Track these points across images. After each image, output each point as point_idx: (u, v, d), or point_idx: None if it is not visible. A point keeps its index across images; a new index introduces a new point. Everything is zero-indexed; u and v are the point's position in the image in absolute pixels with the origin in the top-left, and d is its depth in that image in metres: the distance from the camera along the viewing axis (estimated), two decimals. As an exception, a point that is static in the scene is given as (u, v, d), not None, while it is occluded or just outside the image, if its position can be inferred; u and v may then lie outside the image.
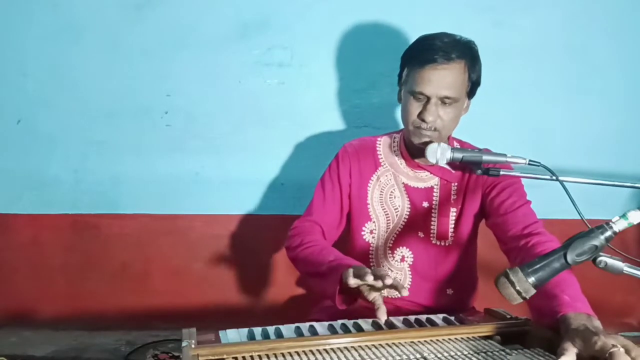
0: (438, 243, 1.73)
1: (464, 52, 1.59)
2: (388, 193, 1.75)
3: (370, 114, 2.22)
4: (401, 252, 1.74)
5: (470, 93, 1.67)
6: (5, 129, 2.34)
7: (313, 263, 1.58)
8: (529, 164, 1.42)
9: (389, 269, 1.74)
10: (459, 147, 1.70)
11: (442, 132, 1.62)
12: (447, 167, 1.65)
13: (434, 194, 1.73)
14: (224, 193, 2.32)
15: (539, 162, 1.40)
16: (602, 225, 1.13)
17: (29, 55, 2.31)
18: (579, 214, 1.31)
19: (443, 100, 1.58)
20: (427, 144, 1.58)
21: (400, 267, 1.74)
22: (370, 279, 1.29)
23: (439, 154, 1.50)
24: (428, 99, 1.58)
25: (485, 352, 1.19)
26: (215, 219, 2.33)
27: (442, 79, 1.56)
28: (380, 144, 1.80)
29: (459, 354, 1.18)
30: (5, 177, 2.35)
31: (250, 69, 2.27)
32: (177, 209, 2.33)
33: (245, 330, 1.32)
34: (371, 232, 1.76)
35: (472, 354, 1.18)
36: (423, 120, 1.59)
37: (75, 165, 2.34)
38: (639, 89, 2.28)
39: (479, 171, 1.49)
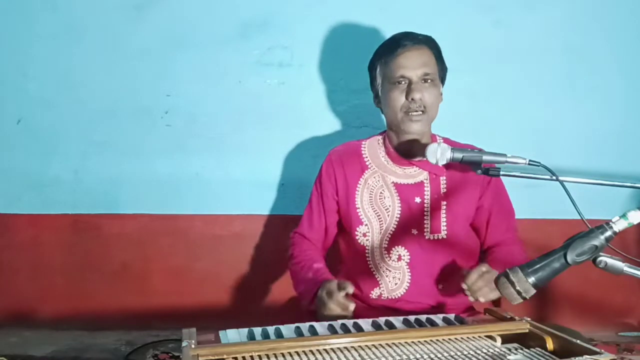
0: (432, 237, 1.73)
1: (426, 38, 1.73)
2: (377, 194, 1.76)
3: (369, 114, 2.22)
4: (397, 251, 1.74)
5: (442, 78, 1.76)
6: (5, 129, 2.34)
7: (296, 281, 1.77)
8: (529, 164, 1.42)
9: (386, 269, 1.74)
10: (442, 142, 1.73)
11: (429, 113, 1.68)
12: None
13: (425, 188, 1.73)
14: (224, 193, 2.32)
15: (539, 162, 1.40)
16: (602, 225, 1.13)
17: (29, 55, 2.31)
18: (579, 214, 1.31)
19: (424, 79, 1.67)
20: (418, 129, 1.67)
21: (398, 267, 1.74)
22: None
23: (439, 154, 1.50)
24: (410, 82, 1.66)
25: (485, 352, 1.19)
26: (215, 219, 2.33)
27: (417, 58, 1.67)
28: (365, 147, 1.82)
29: (459, 354, 1.18)
30: (5, 177, 2.35)
31: (250, 69, 2.28)
32: (177, 209, 2.33)
33: (245, 330, 1.32)
34: (364, 235, 1.76)
35: (472, 354, 1.18)
36: (412, 100, 1.65)
37: (75, 165, 2.34)
38: (638, 89, 2.28)
39: (479, 171, 1.49)
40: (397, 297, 1.73)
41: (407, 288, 1.72)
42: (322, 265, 1.74)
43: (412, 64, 1.66)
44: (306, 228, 1.84)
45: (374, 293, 1.74)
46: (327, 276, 1.66)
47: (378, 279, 1.74)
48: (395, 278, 1.73)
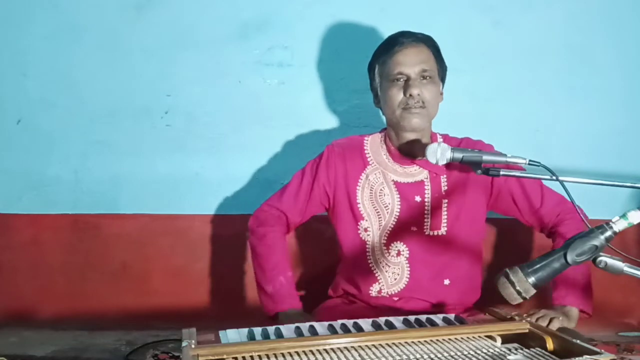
0: (431, 233, 1.74)
1: (425, 37, 1.73)
2: (378, 191, 1.76)
3: (370, 114, 2.22)
4: (396, 247, 1.74)
5: (442, 77, 1.76)
6: (5, 129, 2.34)
7: (264, 271, 1.78)
8: (529, 164, 1.42)
9: (386, 264, 1.75)
10: (442, 141, 1.71)
11: (429, 109, 1.68)
12: None
13: (425, 187, 1.74)
14: (224, 193, 2.32)
15: (539, 162, 1.40)
16: (602, 225, 1.13)
17: (29, 55, 2.31)
18: (579, 214, 1.31)
19: (422, 76, 1.67)
20: (418, 123, 1.67)
21: (397, 262, 1.74)
22: None
23: (439, 154, 1.50)
24: (408, 78, 1.66)
25: (485, 352, 1.19)
26: (215, 219, 2.33)
27: (415, 55, 1.68)
28: (367, 143, 1.82)
29: (459, 354, 1.18)
30: (5, 177, 2.35)
31: (250, 69, 2.28)
32: (177, 209, 2.33)
33: (245, 330, 1.32)
34: (366, 230, 1.77)
35: (472, 354, 1.18)
36: (410, 96, 1.65)
37: (75, 165, 2.34)
38: (639, 89, 2.28)
39: (479, 171, 1.49)
40: (395, 292, 1.73)
41: (406, 283, 1.73)
42: (291, 274, 1.79)
43: (409, 61, 1.67)
44: (288, 205, 1.82)
45: (374, 289, 1.75)
46: (294, 297, 1.75)
47: (377, 275, 1.75)
48: (395, 273, 1.74)
